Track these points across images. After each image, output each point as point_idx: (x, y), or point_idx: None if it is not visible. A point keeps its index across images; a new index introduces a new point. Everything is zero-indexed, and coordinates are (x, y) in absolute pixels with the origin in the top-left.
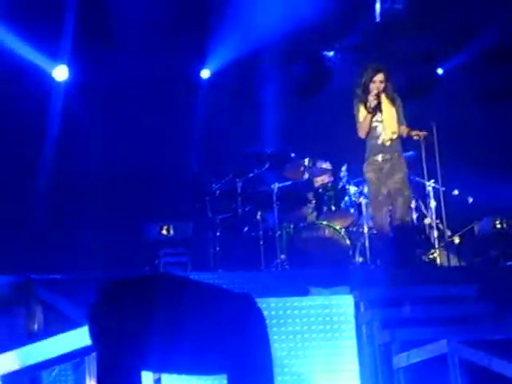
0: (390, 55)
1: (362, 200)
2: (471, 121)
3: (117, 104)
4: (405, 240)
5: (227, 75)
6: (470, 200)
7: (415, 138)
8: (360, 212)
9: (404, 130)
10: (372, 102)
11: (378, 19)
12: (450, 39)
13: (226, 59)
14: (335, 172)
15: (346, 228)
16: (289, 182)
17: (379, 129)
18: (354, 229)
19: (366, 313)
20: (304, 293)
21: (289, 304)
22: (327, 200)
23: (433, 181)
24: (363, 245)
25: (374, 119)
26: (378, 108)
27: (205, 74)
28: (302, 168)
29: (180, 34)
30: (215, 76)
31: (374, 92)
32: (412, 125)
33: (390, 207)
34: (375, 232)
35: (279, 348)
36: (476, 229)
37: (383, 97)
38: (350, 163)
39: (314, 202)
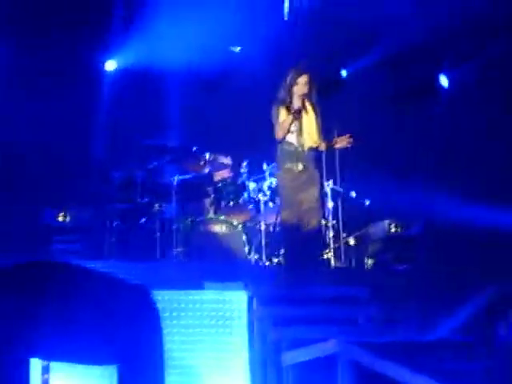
0: (296, 54)
1: (261, 197)
2: (372, 123)
3: (21, 88)
4: (310, 245)
5: (133, 67)
6: (367, 202)
7: (340, 147)
8: (258, 209)
9: (323, 144)
10: (296, 103)
11: (286, 17)
12: (355, 41)
13: (131, 51)
14: (235, 168)
15: (244, 224)
16: (189, 176)
17: (297, 135)
18: (252, 225)
19: (259, 309)
20: (198, 287)
21: (182, 297)
22: (226, 195)
23: (331, 181)
24: (259, 242)
25: (293, 124)
26: (300, 112)
27: (110, 65)
28: (203, 162)
29: (84, 24)
30: (121, 67)
31: (299, 94)
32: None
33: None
34: (278, 229)
35: (171, 341)
36: (371, 231)
37: (307, 102)
38: (251, 160)
39: (212, 196)
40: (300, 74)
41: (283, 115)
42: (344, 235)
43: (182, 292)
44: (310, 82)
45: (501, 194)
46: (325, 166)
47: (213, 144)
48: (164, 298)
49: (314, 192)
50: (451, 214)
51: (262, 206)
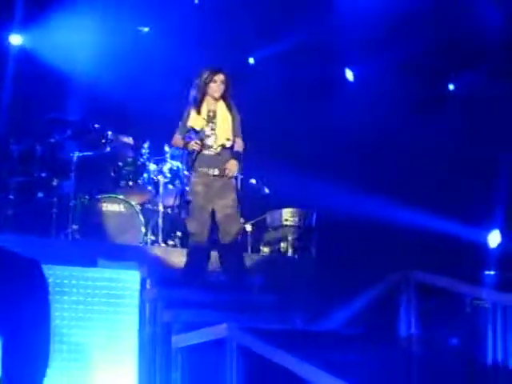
0: (204, 38)
1: (161, 178)
2: (274, 113)
3: None
4: (232, 259)
5: (38, 43)
6: (266, 190)
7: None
8: (157, 190)
9: (241, 144)
10: (211, 104)
11: (196, 1)
12: (264, 28)
13: (37, 27)
14: (137, 148)
15: (142, 204)
16: (89, 153)
17: (212, 138)
18: (150, 206)
19: (152, 291)
20: (92, 264)
21: (75, 273)
22: (126, 175)
23: None
24: (156, 223)
25: (208, 127)
26: (214, 114)
27: (15, 39)
28: (104, 140)
29: None
30: (26, 42)
31: (216, 94)
32: None
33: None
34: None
35: (60, 317)
36: (268, 219)
37: (221, 102)
38: (153, 141)
39: (113, 175)
40: (217, 72)
41: (194, 118)
42: (242, 221)
43: (75, 268)
44: (226, 81)
45: (396, 188)
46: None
47: (115, 123)
48: (56, 273)
49: (231, 198)
50: (347, 205)
51: (161, 188)
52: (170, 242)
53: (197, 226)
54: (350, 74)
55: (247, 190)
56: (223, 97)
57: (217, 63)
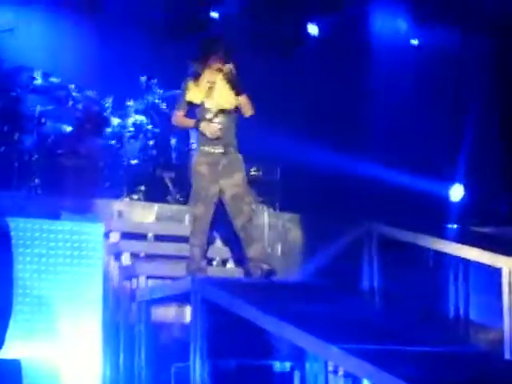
0: None
1: (125, 132)
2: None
3: None
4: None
5: None
6: None
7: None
8: (121, 144)
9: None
10: (210, 76)
11: None
12: None
13: None
14: (100, 102)
15: (105, 159)
16: (51, 107)
17: (213, 111)
18: (113, 160)
19: (116, 244)
20: (55, 217)
21: (38, 226)
22: (89, 129)
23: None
24: (121, 176)
25: (207, 100)
26: (213, 85)
27: None
28: (67, 94)
29: None
30: None
31: (216, 65)
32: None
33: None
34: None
35: (24, 269)
36: None
37: (220, 74)
38: (116, 95)
39: (75, 129)
40: (215, 43)
41: (194, 93)
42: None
43: (38, 220)
44: (226, 54)
45: (360, 141)
46: None
47: (78, 77)
48: (19, 226)
49: (238, 177)
50: (312, 160)
51: (125, 142)
52: (134, 196)
53: (203, 210)
54: (313, 29)
55: None
56: (223, 67)
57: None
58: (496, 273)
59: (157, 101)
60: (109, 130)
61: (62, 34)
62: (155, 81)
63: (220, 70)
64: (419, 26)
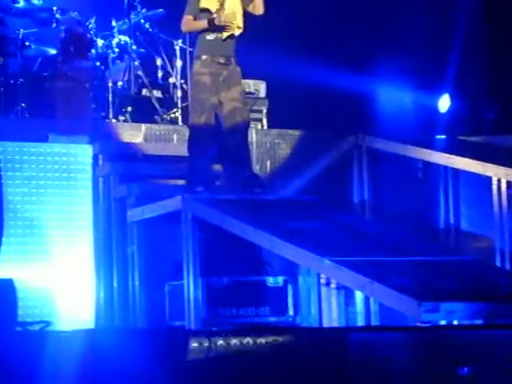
0: None
1: (110, 53)
2: None
3: None
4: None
5: None
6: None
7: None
8: (106, 65)
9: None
10: None
11: None
12: None
13: None
14: (83, 23)
15: (91, 80)
16: (35, 29)
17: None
18: (99, 82)
19: (105, 166)
20: (43, 140)
21: (26, 149)
22: (73, 51)
23: (181, 40)
24: (106, 99)
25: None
26: None
27: None
28: (50, 15)
29: None
30: None
31: None
32: None
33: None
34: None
35: (13, 193)
36: None
37: None
38: (99, 16)
39: (59, 52)
40: None
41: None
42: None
43: (26, 144)
44: None
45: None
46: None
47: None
48: (6, 150)
49: (237, 90)
50: (298, 73)
51: (110, 63)
52: (121, 118)
53: (205, 120)
54: None
55: None
56: None
57: None
58: (485, 182)
59: (141, 21)
60: (93, 51)
61: None
62: (138, 0)
63: None
64: None
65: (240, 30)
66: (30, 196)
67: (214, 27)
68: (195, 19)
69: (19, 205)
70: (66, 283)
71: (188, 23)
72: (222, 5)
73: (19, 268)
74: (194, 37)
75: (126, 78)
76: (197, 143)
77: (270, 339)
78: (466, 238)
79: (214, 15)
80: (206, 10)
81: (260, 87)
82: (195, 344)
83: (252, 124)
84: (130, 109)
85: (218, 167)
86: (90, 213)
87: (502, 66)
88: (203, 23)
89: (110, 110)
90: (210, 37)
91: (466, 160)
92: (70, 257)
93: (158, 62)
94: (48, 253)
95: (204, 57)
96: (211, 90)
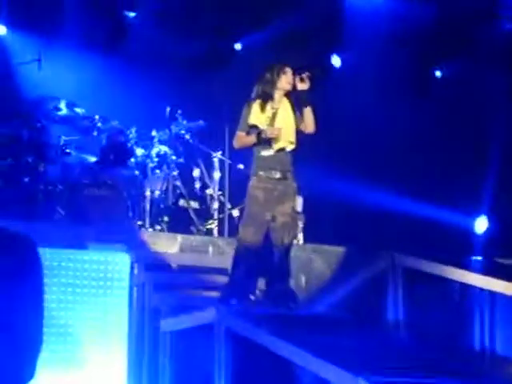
0: (189, 26)
1: (149, 163)
2: None
3: None
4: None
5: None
6: None
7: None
8: (144, 175)
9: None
10: (275, 102)
11: None
12: (250, 15)
13: None
14: (124, 132)
15: (129, 189)
16: (76, 137)
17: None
18: (137, 191)
19: (140, 275)
20: (81, 247)
21: (64, 256)
22: (114, 159)
23: (220, 152)
24: (143, 208)
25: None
26: (277, 112)
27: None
28: (92, 124)
29: None
30: None
31: (287, 87)
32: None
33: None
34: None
35: (50, 299)
36: None
37: (285, 100)
38: (140, 125)
39: (97, 159)
40: (285, 65)
41: (257, 116)
42: (229, 206)
43: (64, 251)
44: (294, 76)
45: (384, 172)
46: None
47: (102, 107)
48: (45, 256)
49: (289, 205)
50: (335, 190)
51: (149, 172)
52: (157, 227)
53: (253, 234)
54: (337, 60)
55: (235, 175)
56: (289, 93)
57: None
58: None
59: (181, 131)
60: (133, 160)
61: (87, 65)
62: (180, 111)
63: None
64: None
65: (292, 146)
66: (66, 303)
67: (263, 142)
68: (247, 135)
69: (54, 312)
70: None
71: (239, 139)
72: (272, 120)
73: (52, 377)
74: (232, 149)
75: (163, 188)
76: (240, 256)
77: None
78: (501, 363)
79: (262, 130)
80: (256, 127)
81: (297, 202)
82: None
83: None
84: (166, 219)
85: (261, 283)
86: (125, 321)
87: None
88: (252, 138)
89: (147, 219)
90: (265, 153)
91: (503, 283)
92: (102, 365)
93: (196, 172)
94: (81, 361)
95: (260, 173)
96: (264, 205)
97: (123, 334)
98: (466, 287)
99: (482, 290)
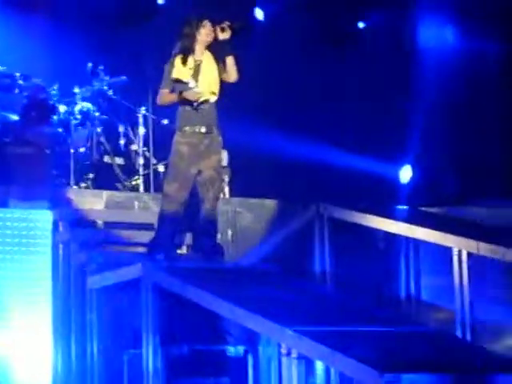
0: None
1: (72, 120)
2: None
3: None
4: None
5: None
6: None
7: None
8: (68, 132)
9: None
10: (197, 54)
11: None
12: None
13: None
14: (46, 89)
15: (52, 146)
16: None
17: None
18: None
19: (65, 232)
20: (3, 205)
21: None
22: (37, 117)
23: (144, 108)
24: (68, 165)
25: (192, 80)
26: (200, 65)
27: None
28: (12, 81)
29: None
30: None
31: (207, 38)
32: None
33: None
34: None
35: None
36: None
37: (207, 53)
38: (62, 82)
39: (22, 117)
40: (203, 19)
41: (180, 70)
42: (154, 162)
43: None
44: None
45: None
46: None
47: (23, 65)
48: None
49: (215, 158)
50: (259, 142)
51: (72, 130)
52: (82, 184)
53: (177, 190)
54: (260, 13)
55: (159, 130)
56: (211, 45)
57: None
58: (446, 253)
59: (104, 87)
60: (56, 117)
61: (6, 22)
62: (102, 67)
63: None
64: None
65: (215, 97)
66: None
67: (185, 102)
68: (172, 91)
69: None
70: (23, 350)
71: (162, 97)
72: (195, 72)
73: None
74: (156, 105)
75: (88, 145)
76: (166, 211)
77: None
78: (427, 309)
79: (184, 91)
80: (180, 81)
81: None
82: None
83: None
84: (91, 175)
85: (188, 238)
86: (49, 279)
87: (462, 137)
88: (174, 97)
89: (72, 177)
90: (189, 107)
91: (427, 230)
92: (27, 324)
93: (121, 128)
94: (5, 319)
95: (185, 128)
96: (189, 161)
97: (48, 292)
98: (391, 236)
99: (406, 238)
